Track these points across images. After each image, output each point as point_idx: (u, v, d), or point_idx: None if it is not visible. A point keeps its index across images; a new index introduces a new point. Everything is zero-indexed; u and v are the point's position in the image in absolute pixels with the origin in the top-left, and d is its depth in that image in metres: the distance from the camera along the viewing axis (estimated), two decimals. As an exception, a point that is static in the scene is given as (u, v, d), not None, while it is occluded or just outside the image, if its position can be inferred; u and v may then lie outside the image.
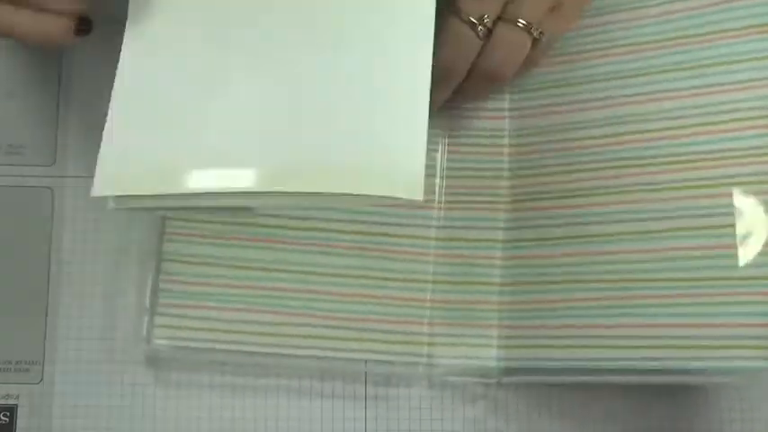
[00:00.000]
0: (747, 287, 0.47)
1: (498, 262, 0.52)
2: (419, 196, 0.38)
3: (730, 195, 0.48)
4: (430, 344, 0.51)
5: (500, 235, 0.52)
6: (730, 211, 0.48)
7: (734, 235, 0.48)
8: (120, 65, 0.41)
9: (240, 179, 0.38)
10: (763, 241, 0.48)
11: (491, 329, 0.51)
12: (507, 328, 0.51)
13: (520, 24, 0.47)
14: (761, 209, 0.48)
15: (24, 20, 0.42)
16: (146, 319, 0.50)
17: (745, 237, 0.48)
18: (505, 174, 0.53)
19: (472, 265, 0.52)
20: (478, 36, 0.47)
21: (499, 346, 0.51)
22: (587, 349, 0.49)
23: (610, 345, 0.49)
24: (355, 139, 0.38)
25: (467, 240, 0.52)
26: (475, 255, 0.52)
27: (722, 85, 0.50)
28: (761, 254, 0.47)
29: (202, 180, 0.38)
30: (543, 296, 0.50)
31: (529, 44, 0.48)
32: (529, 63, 0.50)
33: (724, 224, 0.48)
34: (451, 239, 0.52)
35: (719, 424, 0.52)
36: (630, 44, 0.52)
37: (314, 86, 0.39)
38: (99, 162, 0.39)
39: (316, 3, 0.41)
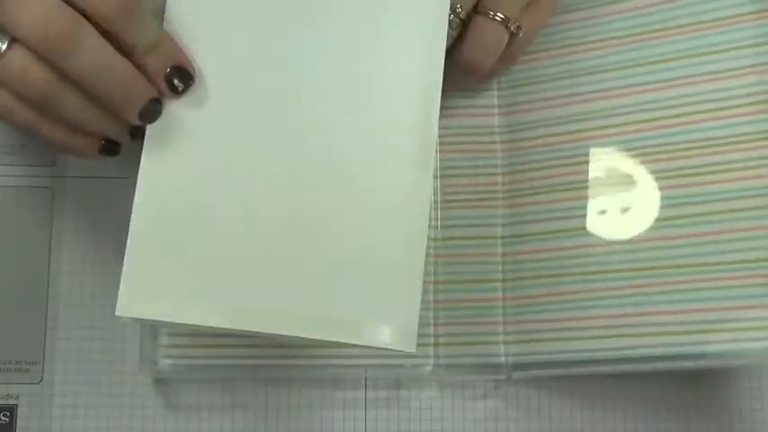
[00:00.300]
0: (749, 270, 0.48)
1: (499, 258, 0.52)
2: (412, 348, 0.42)
3: (733, 180, 0.49)
4: (436, 344, 0.51)
5: (499, 231, 0.52)
6: (734, 197, 0.49)
7: (734, 220, 0.48)
8: (139, 181, 0.43)
9: (248, 322, 0.42)
10: (758, 225, 0.49)
11: (497, 326, 0.51)
12: (513, 323, 0.51)
13: (497, 18, 0.47)
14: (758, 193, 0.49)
15: (51, 131, 0.44)
16: (148, 335, 0.50)
17: (748, 220, 0.49)
18: (500, 170, 0.53)
19: (474, 263, 0.52)
20: (450, 26, 0.47)
21: (506, 342, 0.51)
22: (592, 340, 0.49)
23: (614, 334, 0.49)
24: (354, 291, 0.42)
25: (466, 239, 0.52)
26: (476, 252, 0.52)
27: (720, 72, 0.50)
28: (759, 237, 0.48)
29: (220, 317, 0.42)
30: (546, 290, 0.50)
31: (506, 38, 0.48)
32: (506, 59, 0.50)
33: (724, 209, 0.49)
34: (451, 239, 0.52)
35: (738, 401, 0.52)
36: (618, 36, 0.52)
37: (318, 227, 0.43)
38: (123, 281, 0.42)
39: (321, 132, 0.44)
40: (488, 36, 0.48)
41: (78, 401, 0.51)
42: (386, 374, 0.52)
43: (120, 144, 0.45)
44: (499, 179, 0.53)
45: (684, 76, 0.51)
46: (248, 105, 0.44)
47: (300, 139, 0.43)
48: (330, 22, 0.44)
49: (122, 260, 0.51)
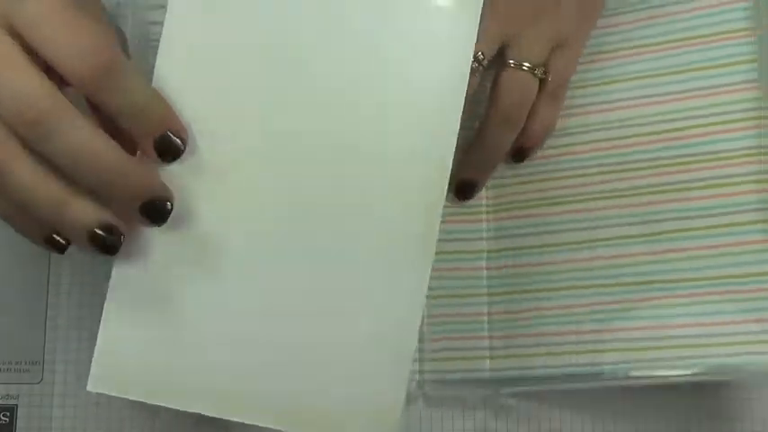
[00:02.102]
0: (739, 285, 0.48)
1: (485, 272, 0.52)
2: None
3: (722, 196, 0.49)
4: (422, 360, 0.51)
5: (484, 245, 0.52)
6: (723, 212, 0.49)
7: (724, 234, 0.49)
8: (117, 258, 0.41)
9: (224, 409, 0.41)
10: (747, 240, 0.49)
11: (482, 341, 0.51)
12: (498, 338, 0.51)
13: (524, 67, 0.47)
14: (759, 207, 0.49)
15: (6, 209, 0.40)
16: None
17: (735, 234, 0.49)
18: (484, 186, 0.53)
19: (459, 277, 0.52)
20: (473, 73, 0.46)
21: (492, 357, 0.51)
22: (578, 355, 0.50)
23: (602, 349, 0.49)
24: (339, 384, 0.41)
25: (451, 253, 0.52)
26: (461, 267, 0.52)
27: (714, 87, 0.50)
28: (747, 252, 0.49)
29: (192, 402, 0.41)
30: (532, 304, 0.51)
31: (535, 86, 0.48)
32: (548, 104, 0.50)
33: (713, 225, 0.49)
34: (437, 252, 0.52)
35: (739, 411, 0.52)
36: (607, 51, 0.52)
37: (307, 317, 0.41)
38: (96, 357, 0.41)
39: (316, 212, 0.42)
40: (517, 86, 0.48)
41: (78, 401, 0.51)
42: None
43: (68, 245, 0.42)
44: (483, 193, 0.53)
45: (676, 92, 0.51)
46: (238, 179, 0.41)
47: (286, 219, 0.41)
48: (338, 66, 0.42)
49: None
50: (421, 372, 0.51)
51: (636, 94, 0.51)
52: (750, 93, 0.50)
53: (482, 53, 0.47)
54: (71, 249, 0.51)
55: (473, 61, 0.46)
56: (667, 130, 0.50)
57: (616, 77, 0.52)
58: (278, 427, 0.40)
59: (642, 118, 0.51)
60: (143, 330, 0.41)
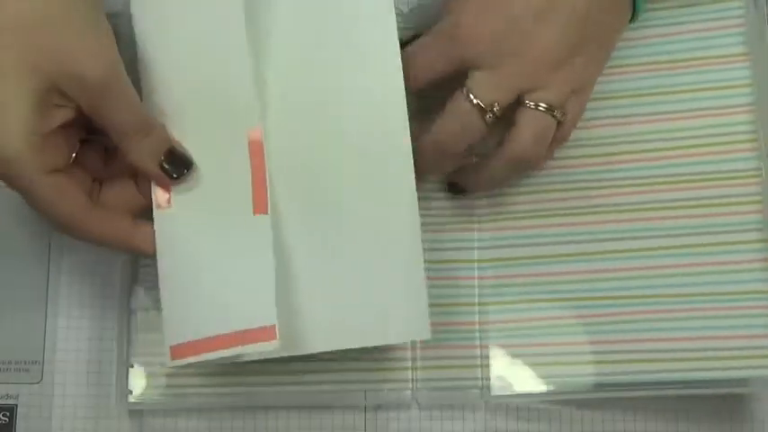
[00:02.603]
0: (737, 302, 0.49)
1: (476, 282, 0.52)
2: (426, 335, 0.46)
3: (726, 215, 0.50)
4: (414, 368, 0.51)
5: (476, 255, 0.52)
6: (726, 230, 0.50)
7: (717, 253, 0.50)
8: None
9: (269, 349, 0.44)
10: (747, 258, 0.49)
11: (474, 350, 0.51)
12: (490, 347, 0.51)
13: (541, 108, 0.46)
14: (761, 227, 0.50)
15: None
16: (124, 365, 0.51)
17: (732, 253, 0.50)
18: (478, 194, 0.53)
19: (450, 286, 0.52)
20: (485, 122, 0.46)
21: (483, 366, 0.51)
22: (569, 366, 0.50)
23: (592, 360, 0.50)
24: (362, 299, 0.46)
25: (443, 262, 0.52)
26: (452, 276, 0.52)
27: (717, 108, 0.51)
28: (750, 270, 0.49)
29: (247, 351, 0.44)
30: (522, 315, 0.51)
31: (554, 127, 0.47)
32: (556, 142, 0.49)
33: (710, 242, 0.50)
34: (428, 261, 0.52)
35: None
36: (612, 66, 0.52)
37: (324, 251, 0.47)
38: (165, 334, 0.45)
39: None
40: (537, 128, 0.47)
41: (78, 401, 0.51)
42: (365, 399, 0.51)
43: None
44: (477, 203, 0.53)
45: (680, 111, 0.51)
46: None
47: (295, 180, 0.46)
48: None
49: (121, 260, 0.52)
50: (413, 380, 0.51)
51: (636, 111, 0.51)
52: (753, 115, 0.50)
53: (497, 102, 0.46)
54: (70, 249, 0.52)
55: (488, 112, 0.46)
56: (669, 148, 0.51)
57: (618, 93, 0.52)
58: (329, 348, 0.46)
59: (642, 135, 0.51)
60: (195, 302, 0.45)
